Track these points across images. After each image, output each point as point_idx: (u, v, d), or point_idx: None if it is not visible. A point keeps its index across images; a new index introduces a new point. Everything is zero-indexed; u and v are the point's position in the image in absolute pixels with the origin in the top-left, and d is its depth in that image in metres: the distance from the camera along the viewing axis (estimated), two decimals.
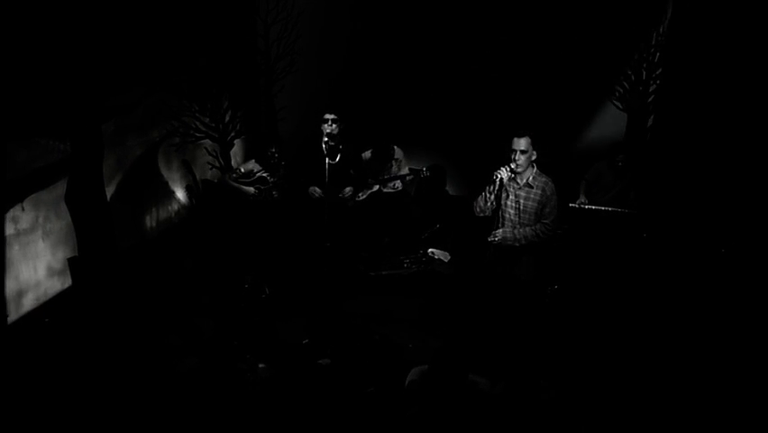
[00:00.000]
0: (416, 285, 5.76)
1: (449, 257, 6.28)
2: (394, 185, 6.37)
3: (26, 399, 3.72)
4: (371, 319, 4.96)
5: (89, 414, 3.63)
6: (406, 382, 3.39)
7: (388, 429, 3.45)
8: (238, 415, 3.55)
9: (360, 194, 5.98)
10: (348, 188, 4.97)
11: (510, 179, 4.15)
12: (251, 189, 5.75)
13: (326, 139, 4.53)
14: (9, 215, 4.68)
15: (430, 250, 6.32)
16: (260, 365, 3.97)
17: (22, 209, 4.78)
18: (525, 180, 4.14)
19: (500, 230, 4.23)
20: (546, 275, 4.85)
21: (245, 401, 3.66)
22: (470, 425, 2.98)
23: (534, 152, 4.08)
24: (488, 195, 4.19)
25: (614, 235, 5.53)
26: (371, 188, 6.22)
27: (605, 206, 5.64)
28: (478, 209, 4.28)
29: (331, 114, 4.69)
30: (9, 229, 4.68)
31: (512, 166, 4.05)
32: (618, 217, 5.56)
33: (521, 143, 4.03)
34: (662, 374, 4.18)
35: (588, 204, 5.75)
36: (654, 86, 6.66)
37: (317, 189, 4.88)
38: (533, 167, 4.14)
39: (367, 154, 6.36)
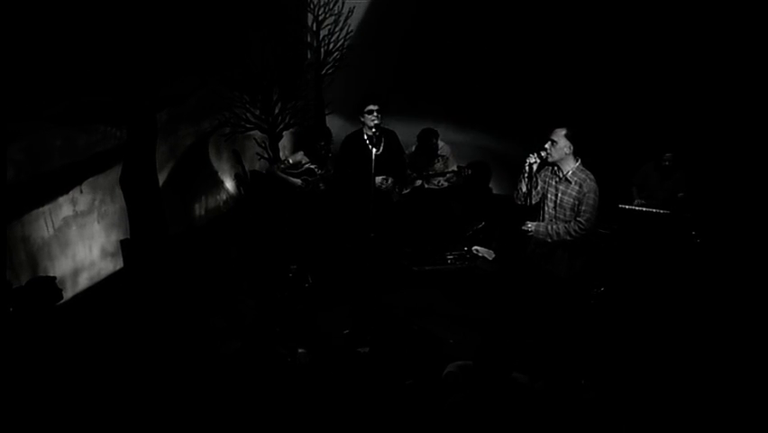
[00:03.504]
0: (459, 282, 5.73)
1: (493, 255, 6.21)
2: (438, 182, 6.36)
3: (75, 373, 3.87)
4: (413, 313, 4.96)
5: (136, 389, 3.75)
6: (444, 374, 3.38)
7: (425, 421, 3.45)
8: (276, 396, 3.61)
9: (404, 189, 5.97)
10: (380, 178, 4.95)
11: (553, 172, 4.11)
12: (298, 181, 5.83)
13: (374, 130, 4.57)
14: (68, 196, 4.89)
15: (474, 247, 6.27)
16: (300, 350, 4.03)
17: (81, 192, 4.98)
18: (564, 174, 4.09)
19: (534, 223, 4.19)
20: (591, 275, 4.75)
21: (284, 384, 3.72)
22: (510, 418, 2.95)
23: (570, 146, 4.00)
24: (519, 182, 4.19)
25: (664, 238, 5.38)
26: (414, 183, 6.23)
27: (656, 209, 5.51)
28: (515, 195, 4.27)
29: (375, 104, 4.73)
30: (68, 210, 4.89)
31: (543, 153, 4.04)
32: (669, 220, 5.41)
33: (554, 134, 4.03)
34: (710, 382, 4.04)
35: (642, 205, 5.63)
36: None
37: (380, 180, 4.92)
38: (575, 161, 4.06)
39: (412, 149, 6.37)
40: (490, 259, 6.18)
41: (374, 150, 4.41)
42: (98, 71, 4.71)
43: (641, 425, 3.60)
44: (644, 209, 5.58)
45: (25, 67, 4.19)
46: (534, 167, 4.07)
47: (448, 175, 6.36)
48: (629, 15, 6.60)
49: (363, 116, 4.76)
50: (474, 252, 6.23)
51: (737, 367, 4.19)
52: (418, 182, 6.27)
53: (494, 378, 3.04)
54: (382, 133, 4.58)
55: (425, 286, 5.60)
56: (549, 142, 4.03)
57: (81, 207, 5.00)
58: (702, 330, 4.64)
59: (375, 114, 4.71)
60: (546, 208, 4.20)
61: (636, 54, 6.62)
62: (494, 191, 7.37)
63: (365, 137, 4.68)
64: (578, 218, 4.05)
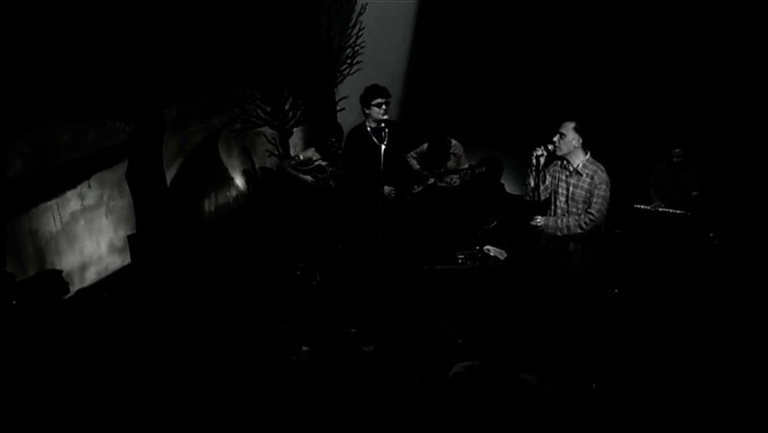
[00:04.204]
0: (470, 281, 5.65)
1: (505, 255, 6.12)
2: (450, 179, 6.28)
3: (79, 366, 3.85)
4: (422, 313, 4.89)
5: (139, 385, 3.72)
6: (450, 375, 3.30)
7: (431, 422, 3.37)
8: (278, 395, 3.55)
9: (415, 186, 5.87)
10: (387, 189, 4.85)
11: (562, 166, 4.05)
12: (309, 178, 5.77)
13: (383, 124, 4.50)
14: (76, 191, 4.88)
15: (486, 247, 6.18)
16: (304, 348, 3.97)
17: (89, 186, 4.97)
18: (574, 167, 4.00)
19: (543, 217, 4.10)
20: (605, 276, 4.63)
21: (286, 383, 3.67)
22: (518, 420, 2.86)
23: (579, 139, 3.93)
24: (527, 177, 4.11)
25: (680, 240, 5.25)
26: (427, 182, 6.15)
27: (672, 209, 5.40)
28: (524, 191, 4.18)
29: (383, 97, 4.64)
30: (76, 205, 4.88)
31: (550, 147, 3.97)
32: (685, 220, 5.28)
33: (563, 126, 3.96)
34: (726, 389, 3.91)
35: (661, 207, 5.52)
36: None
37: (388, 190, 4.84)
38: (585, 153, 3.99)
39: (424, 147, 6.29)
40: (502, 259, 6.09)
41: (383, 145, 4.33)
42: (106, 66, 4.69)
43: (653, 431, 3.49)
44: (659, 210, 5.47)
45: (32, 60, 4.18)
46: (542, 160, 3.99)
47: (462, 172, 6.28)
48: (637, 11, 6.49)
49: (369, 108, 4.66)
50: (486, 251, 6.14)
51: (756, 375, 4.05)
52: (431, 180, 6.19)
53: (501, 379, 2.96)
54: (386, 126, 4.49)
55: (436, 285, 5.52)
56: (557, 135, 3.96)
57: (89, 201, 4.99)
58: (718, 336, 4.50)
59: (383, 107, 4.63)
60: (558, 203, 4.11)
61: (644, 49, 6.50)
62: (506, 189, 7.26)
63: (368, 130, 4.61)
64: (589, 210, 3.96)
